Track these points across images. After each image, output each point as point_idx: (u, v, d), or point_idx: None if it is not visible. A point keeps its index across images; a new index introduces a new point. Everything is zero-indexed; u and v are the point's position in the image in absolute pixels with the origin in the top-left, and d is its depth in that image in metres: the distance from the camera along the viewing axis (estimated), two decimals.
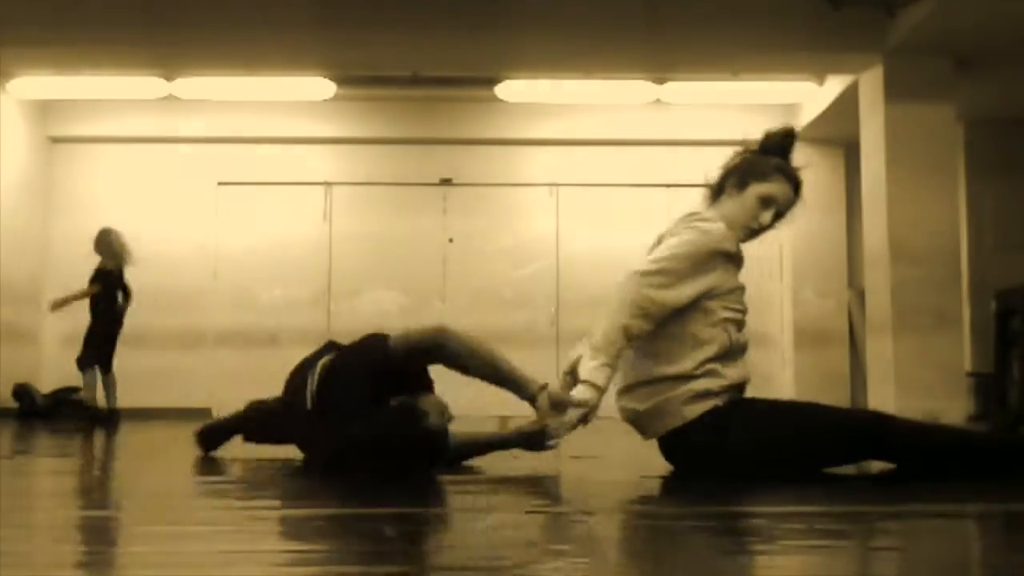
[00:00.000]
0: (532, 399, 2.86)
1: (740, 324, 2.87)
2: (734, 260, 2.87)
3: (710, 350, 2.77)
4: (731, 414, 2.77)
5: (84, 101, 9.42)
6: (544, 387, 2.85)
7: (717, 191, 3.01)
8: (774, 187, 2.91)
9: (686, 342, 2.77)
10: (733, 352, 2.82)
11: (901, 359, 7.40)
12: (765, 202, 2.89)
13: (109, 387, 7.69)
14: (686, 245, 2.78)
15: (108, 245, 7.75)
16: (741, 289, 2.89)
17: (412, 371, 3.02)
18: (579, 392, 2.68)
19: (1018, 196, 8.84)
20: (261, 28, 7.59)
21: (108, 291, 7.73)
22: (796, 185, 2.96)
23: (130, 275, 7.84)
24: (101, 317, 7.67)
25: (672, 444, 2.88)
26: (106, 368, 7.67)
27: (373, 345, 2.97)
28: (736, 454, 2.76)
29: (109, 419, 7.46)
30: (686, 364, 2.76)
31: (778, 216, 2.93)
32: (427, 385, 3.15)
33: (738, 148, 3.04)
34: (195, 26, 7.56)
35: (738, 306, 2.87)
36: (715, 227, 2.83)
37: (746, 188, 2.91)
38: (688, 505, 2.35)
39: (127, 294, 7.80)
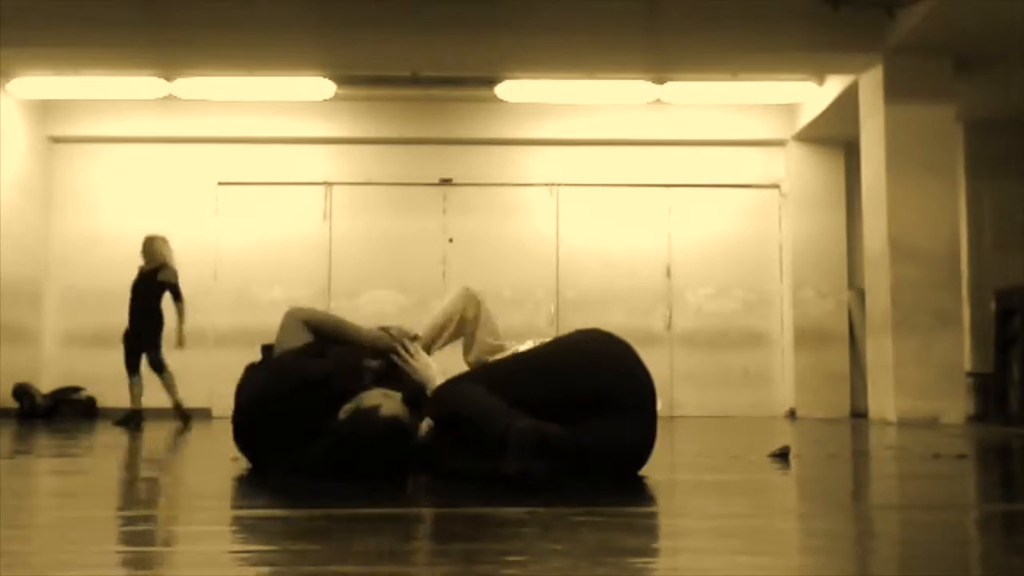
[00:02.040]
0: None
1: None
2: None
3: None
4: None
5: (84, 101, 9.42)
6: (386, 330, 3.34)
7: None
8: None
9: None
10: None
11: (901, 359, 7.41)
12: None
13: (133, 388, 7.62)
14: None
15: (143, 248, 7.74)
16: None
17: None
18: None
19: (1018, 196, 8.85)
20: (261, 28, 7.60)
21: (134, 292, 7.68)
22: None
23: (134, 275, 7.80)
24: (129, 318, 7.65)
25: None
26: (132, 369, 7.59)
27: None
28: None
29: (128, 420, 7.36)
30: None
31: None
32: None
33: None
34: (195, 26, 7.57)
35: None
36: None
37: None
38: (683, 504, 2.35)
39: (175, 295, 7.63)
